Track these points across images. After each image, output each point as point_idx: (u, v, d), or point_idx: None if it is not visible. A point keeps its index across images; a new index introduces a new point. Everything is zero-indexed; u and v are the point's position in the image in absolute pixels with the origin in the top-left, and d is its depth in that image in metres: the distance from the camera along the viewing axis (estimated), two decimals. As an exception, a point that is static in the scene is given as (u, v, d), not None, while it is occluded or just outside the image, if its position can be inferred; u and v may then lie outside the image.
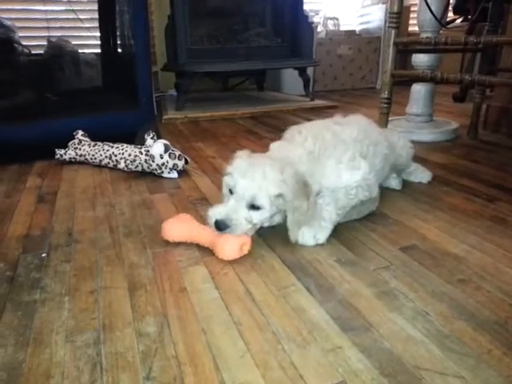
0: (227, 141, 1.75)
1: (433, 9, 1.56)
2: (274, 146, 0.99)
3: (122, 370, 0.54)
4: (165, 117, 2.19)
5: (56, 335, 0.61)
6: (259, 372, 0.53)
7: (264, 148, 1.60)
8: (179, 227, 0.87)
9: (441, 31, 1.72)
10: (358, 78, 3.39)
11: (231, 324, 0.62)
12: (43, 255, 0.84)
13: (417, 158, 1.38)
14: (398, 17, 1.34)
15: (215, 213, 0.82)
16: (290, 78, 2.90)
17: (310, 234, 0.85)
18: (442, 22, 1.61)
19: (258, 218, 0.83)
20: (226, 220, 0.80)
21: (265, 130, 1.95)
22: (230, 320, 0.63)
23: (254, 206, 0.82)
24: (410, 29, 3.43)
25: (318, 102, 2.54)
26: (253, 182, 0.81)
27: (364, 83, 3.38)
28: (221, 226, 0.80)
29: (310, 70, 2.80)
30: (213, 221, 0.81)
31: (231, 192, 0.85)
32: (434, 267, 0.76)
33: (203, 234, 0.84)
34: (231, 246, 0.80)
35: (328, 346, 0.57)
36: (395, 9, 1.32)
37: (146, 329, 0.62)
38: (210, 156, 1.53)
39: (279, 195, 0.82)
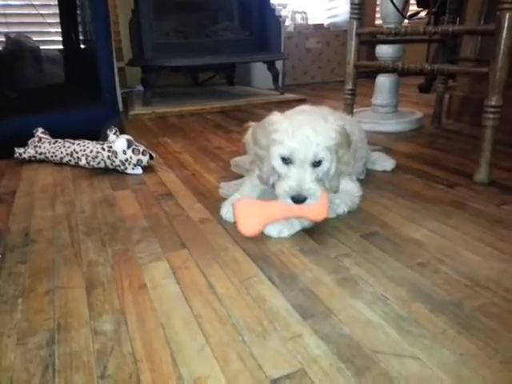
0: (195, 136, 1.73)
1: (395, 1, 1.58)
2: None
3: (76, 370, 0.52)
4: (131, 113, 2.15)
5: (7, 338, 0.58)
6: (218, 365, 0.52)
7: (231, 142, 1.60)
8: (252, 217, 0.82)
9: (404, 23, 1.75)
10: (327, 72, 3.41)
11: (191, 318, 0.61)
12: (-3, 257, 0.81)
13: (382, 148, 1.40)
14: (359, 8, 1.35)
15: (286, 190, 0.79)
16: (260, 73, 2.90)
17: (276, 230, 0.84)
18: (403, 13, 1.63)
19: (322, 171, 0.83)
20: (302, 192, 0.78)
21: (233, 124, 1.93)
22: (190, 314, 0.62)
23: (315, 164, 0.81)
24: (377, 22, 3.47)
25: (288, 96, 2.55)
26: (309, 140, 0.79)
27: (333, 76, 3.40)
28: (300, 200, 0.78)
29: (279, 64, 2.80)
30: (289, 198, 0.79)
31: (285, 160, 0.81)
32: (394, 252, 0.77)
33: (279, 210, 0.82)
34: (321, 205, 0.80)
35: (288, 335, 0.57)
36: (356, 0, 1.33)
37: (102, 327, 0.60)
38: (177, 151, 1.51)
39: (333, 144, 0.81)
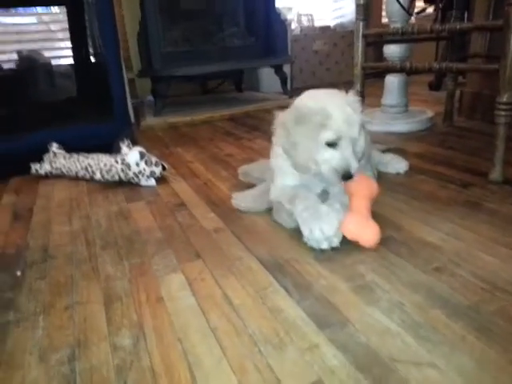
0: (205, 144, 1.75)
1: (400, -1, 1.57)
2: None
3: (97, 386, 0.53)
4: (143, 123, 2.17)
5: (29, 356, 0.60)
6: (235, 377, 0.53)
7: (241, 149, 1.61)
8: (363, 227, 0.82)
9: (410, 21, 1.74)
10: (335, 73, 3.40)
11: (208, 331, 0.62)
12: (18, 273, 0.83)
13: (393, 149, 1.39)
14: (365, 9, 1.34)
15: (336, 169, 0.81)
16: (268, 77, 2.90)
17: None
18: (409, 11, 1.62)
19: (359, 147, 0.86)
20: (350, 170, 0.81)
21: (243, 131, 1.94)
22: (206, 327, 0.63)
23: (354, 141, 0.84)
24: (384, 21, 3.45)
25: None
26: (351, 120, 0.82)
27: (342, 77, 3.39)
28: (349, 177, 0.82)
29: (287, 68, 2.80)
30: (338, 177, 0.82)
31: (330, 144, 0.82)
32: (409, 257, 0.77)
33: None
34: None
35: (304, 345, 0.57)
36: (361, 1, 1.33)
37: (121, 342, 0.61)
38: (189, 161, 1.52)
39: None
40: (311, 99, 0.86)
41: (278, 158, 0.95)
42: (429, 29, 1.18)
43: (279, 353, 0.56)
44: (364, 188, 0.85)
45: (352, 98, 0.87)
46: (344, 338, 0.58)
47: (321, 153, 0.83)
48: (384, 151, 1.31)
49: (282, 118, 0.88)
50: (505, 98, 1.02)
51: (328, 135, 0.82)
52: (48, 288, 0.77)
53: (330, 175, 0.83)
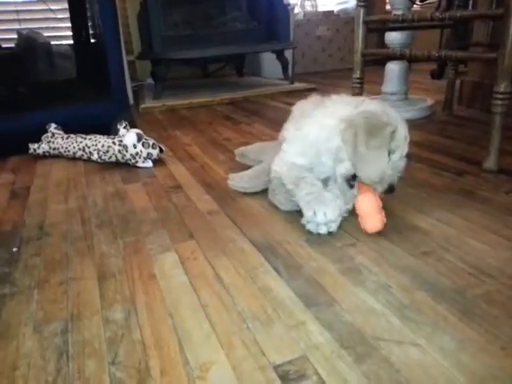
0: (204, 128, 1.75)
1: (403, -15, 1.56)
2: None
3: (88, 357, 0.55)
4: (142, 106, 2.17)
5: (24, 327, 0.61)
6: (223, 351, 0.54)
7: (239, 133, 1.61)
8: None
9: (413, 8, 1.72)
10: (337, 59, 3.38)
11: (198, 307, 0.63)
12: (14, 250, 0.84)
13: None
14: (366, -5, 1.33)
15: (385, 178, 0.81)
16: (270, 62, 2.88)
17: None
18: (412, -2, 1.61)
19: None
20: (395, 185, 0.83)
21: (242, 115, 1.94)
22: (197, 303, 0.64)
23: None
24: (388, 7, 3.41)
25: (297, 85, 2.54)
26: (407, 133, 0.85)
27: (344, 64, 3.37)
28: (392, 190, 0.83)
29: (289, 53, 2.78)
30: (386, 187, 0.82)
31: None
32: (399, 242, 0.78)
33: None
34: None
35: (291, 323, 0.58)
36: (363, -14, 1.32)
37: (113, 316, 0.62)
38: (186, 144, 1.53)
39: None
40: (375, 108, 0.84)
41: (293, 135, 0.95)
42: (429, 16, 1.17)
43: (266, 329, 0.58)
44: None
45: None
46: (330, 316, 0.59)
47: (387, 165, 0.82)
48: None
49: (353, 135, 0.81)
50: (502, 88, 1.02)
51: (397, 154, 0.82)
52: (43, 264, 0.78)
53: (379, 183, 0.81)
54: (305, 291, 0.65)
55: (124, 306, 0.65)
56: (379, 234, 0.80)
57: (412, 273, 0.68)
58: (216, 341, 0.56)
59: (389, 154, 0.81)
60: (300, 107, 1.05)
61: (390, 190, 0.82)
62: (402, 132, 0.83)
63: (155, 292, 0.68)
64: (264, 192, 1.00)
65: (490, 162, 1.08)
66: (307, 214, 0.81)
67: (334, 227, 0.81)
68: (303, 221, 0.82)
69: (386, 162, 0.81)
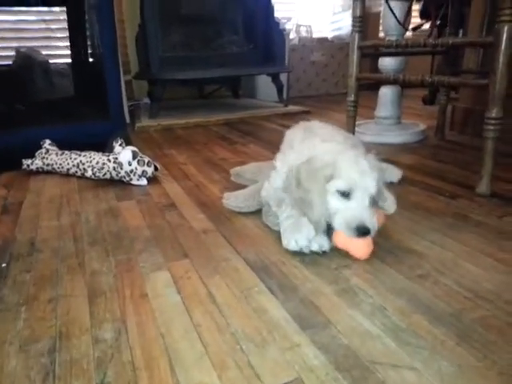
0: (200, 147, 1.75)
1: (396, 13, 1.60)
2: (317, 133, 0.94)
3: (76, 377, 0.53)
4: (138, 125, 2.18)
5: (9, 346, 0.59)
6: (216, 373, 0.53)
7: (235, 153, 1.61)
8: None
9: (406, 36, 1.77)
10: (331, 84, 3.44)
11: (191, 327, 0.62)
12: (3, 265, 0.82)
13: (386, 160, 1.41)
14: (360, 21, 1.37)
15: (349, 221, 0.76)
16: (265, 85, 2.92)
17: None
18: (405, 26, 1.66)
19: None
20: (366, 224, 0.76)
21: (237, 136, 1.95)
22: (189, 323, 0.63)
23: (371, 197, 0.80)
24: (381, 35, 3.50)
25: (292, 108, 2.57)
26: (368, 173, 0.78)
27: (338, 88, 3.43)
28: (364, 232, 0.76)
29: (284, 77, 2.83)
30: (352, 230, 0.76)
31: (343, 194, 0.78)
32: (394, 264, 0.77)
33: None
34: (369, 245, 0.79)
35: (286, 345, 0.57)
36: (358, 13, 1.35)
37: (103, 335, 0.61)
38: (182, 162, 1.53)
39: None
40: (325, 151, 0.84)
41: (280, 163, 0.96)
42: (422, 42, 1.21)
43: (261, 351, 0.56)
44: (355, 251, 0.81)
45: (371, 156, 0.85)
46: (326, 339, 0.58)
47: (335, 202, 0.79)
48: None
49: (295, 172, 0.83)
50: (493, 113, 1.04)
51: (338, 183, 0.78)
52: (32, 280, 0.76)
53: (344, 229, 0.77)
54: (300, 313, 0.64)
55: (114, 325, 0.63)
56: (374, 255, 0.80)
57: (408, 295, 0.67)
58: (208, 362, 0.55)
59: (346, 195, 0.78)
60: (291, 135, 1.06)
61: (362, 231, 0.76)
62: (351, 170, 0.78)
63: (147, 311, 0.66)
64: (259, 212, 1.00)
65: (483, 187, 1.09)
66: (283, 241, 0.84)
67: (309, 248, 0.81)
68: (283, 246, 0.84)
69: (322, 205, 0.79)
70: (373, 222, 0.77)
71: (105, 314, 0.66)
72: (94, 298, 0.70)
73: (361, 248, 0.79)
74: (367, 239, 0.78)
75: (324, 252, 0.81)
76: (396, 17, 1.56)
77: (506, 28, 0.98)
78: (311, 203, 0.80)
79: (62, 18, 2.65)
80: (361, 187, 0.78)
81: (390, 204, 1.04)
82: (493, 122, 1.04)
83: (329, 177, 0.79)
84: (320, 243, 0.81)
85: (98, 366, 0.55)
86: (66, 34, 2.52)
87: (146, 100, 2.84)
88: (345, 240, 0.79)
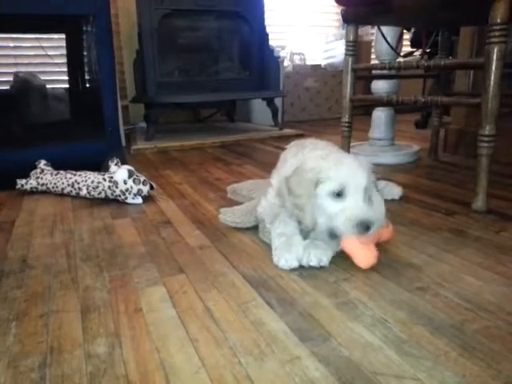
0: (195, 168, 1.76)
1: (388, 39, 1.65)
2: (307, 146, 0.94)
3: (67, 393, 0.51)
4: (134, 147, 2.18)
5: (-2, 361, 0.57)
6: (213, 387, 0.51)
7: (230, 173, 1.62)
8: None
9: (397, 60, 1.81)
10: (324, 109, 3.50)
11: (187, 341, 0.60)
12: (-7, 283, 0.80)
13: (382, 179, 1.41)
14: (353, 45, 1.40)
15: (350, 219, 0.75)
16: (260, 110, 2.97)
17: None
18: (396, 51, 1.70)
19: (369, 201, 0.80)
20: (367, 218, 0.75)
21: (233, 157, 1.96)
22: (186, 337, 0.61)
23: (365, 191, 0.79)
24: (373, 62, 3.60)
25: (287, 131, 2.60)
26: (356, 169, 0.78)
27: (331, 114, 3.49)
28: (366, 228, 0.75)
29: (278, 102, 2.87)
30: (354, 228, 0.75)
31: (337, 195, 0.77)
32: (393, 277, 0.76)
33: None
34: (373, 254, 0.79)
35: (286, 357, 0.55)
36: (351, 37, 1.39)
37: (96, 350, 0.58)
38: (177, 182, 1.52)
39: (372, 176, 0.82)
40: (311, 158, 0.84)
41: (275, 179, 0.96)
42: (415, 64, 1.24)
43: (259, 364, 0.54)
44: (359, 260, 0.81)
45: (358, 157, 0.85)
46: (326, 351, 0.56)
47: (330, 206, 0.78)
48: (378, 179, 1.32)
49: (285, 182, 0.83)
50: (486, 131, 1.06)
51: (328, 186, 0.78)
52: (24, 297, 0.74)
53: (346, 228, 0.76)
54: (299, 325, 0.62)
55: (108, 339, 0.61)
56: (373, 269, 0.79)
57: (408, 308, 0.66)
58: (206, 376, 0.53)
59: (340, 195, 0.78)
60: (285, 152, 1.07)
61: (365, 227, 0.76)
62: (340, 170, 0.78)
63: (141, 326, 0.64)
64: (255, 228, 0.99)
65: (479, 203, 1.09)
66: (273, 258, 0.83)
67: (296, 265, 0.81)
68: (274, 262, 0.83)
69: (312, 209, 0.79)
70: (373, 214, 0.76)
71: (98, 328, 0.64)
72: (87, 313, 0.68)
73: (366, 259, 0.78)
74: (374, 251, 0.78)
75: (322, 267, 0.80)
76: (388, 42, 1.61)
77: (495, 49, 1.01)
78: (303, 209, 0.80)
79: (60, 44, 2.70)
80: (352, 183, 0.77)
81: (395, 192, 1.18)
82: (486, 139, 1.06)
83: (316, 180, 0.79)
84: (319, 258, 0.80)
85: (90, 380, 0.53)
86: (65, 60, 2.56)
87: (143, 124, 2.86)
88: (352, 247, 0.79)
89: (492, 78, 1.02)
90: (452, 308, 0.66)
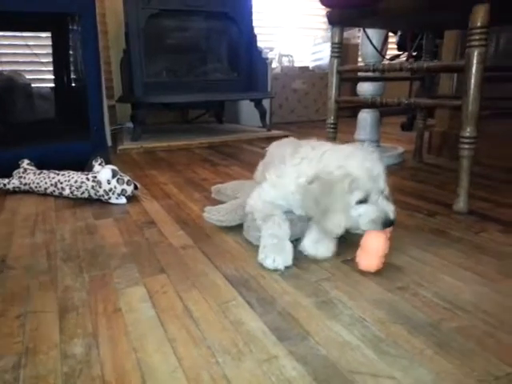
0: (182, 168, 1.75)
1: (374, 42, 1.67)
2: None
3: (41, 394, 0.50)
4: (120, 147, 2.17)
5: (-29, 363, 0.56)
6: (189, 386, 0.51)
7: (217, 174, 1.61)
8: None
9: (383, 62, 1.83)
10: (312, 111, 3.52)
11: (165, 341, 0.60)
12: (-30, 283, 0.79)
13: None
14: (339, 47, 1.41)
15: (375, 220, 0.80)
16: (248, 111, 2.97)
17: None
18: (382, 53, 1.72)
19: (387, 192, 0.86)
20: (389, 215, 0.82)
21: (220, 158, 1.96)
22: (164, 337, 0.60)
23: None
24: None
25: (274, 132, 2.61)
26: (375, 173, 0.81)
27: (318, 115, 3.50)
28: (390, 224, 0.82)
29: (267, 103, 2.88)
30: (381, 226, 0.80)
31: (361, 201, 0.81)
32: (374, 277, 0.77)
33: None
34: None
35: (263, 357, 0.55)
36: (336, 39, 1.40)
37: (72, 350, 0.58)
38: (162, 182, 1.52)
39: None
40: (332, 162, 0.84)
41: (274, 176, 0.96)
42: (398, 67, 1.25)
43: (237, 363, 0.54)
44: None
45: (368, 150, 0.86)
46: (304, 350, 0.56)
47: (355, 211, 0.82)
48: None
49: (312, 194, 0.83)
50: (467, 133, 1.07)
51: (357, 196, 0.80)
52: (1, 297, 0.73)
53: (372, 227, 0.81)
54: (278, 325, 0.62)
55: (85, 340, 0.60)
56: (353, 269, 0.80)
57: (387, 307, 0.67)
58: (182, 375, 0.52)
59: (363, 201, 0.81)
60: (277, 151, 1.08)
61: (388, 224, 0.81)
62: (364, 178, 0.80)
63: (120, 326, 0.64)
64: (239, 228, 0.99)
65: (460, 204, 1.11)
66: (260, 255, 0.83)
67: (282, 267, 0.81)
68: (258, 259, 0.83)
69: (345, 215, 0.80)
70: (391, 211, 0.82)
71: (76, 329, 0.63)
72: (65, 313, 0.67)
73: (371, 264, 0.78)
74: (380, 263, 0.78)
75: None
76: (373, 44, 1.62)
77: (476, 52, 1.02)
78: (331, 213, 0.80)
79: (46, 43, 2.67)
80: (375, 188, 0.81)
81: None
82: (467, 140, 1.07)
83: (348, 191, 0.80)
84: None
85: (65, 381, 0.52)
86: (50, 59, 2.54)
87: (129, 124, 2.84)
88: (370, 249, 0.79)
89: (472, 80, 1.03)
90: (430, 307, 0.67)
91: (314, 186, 0.82)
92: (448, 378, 0.50)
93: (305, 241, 0.86)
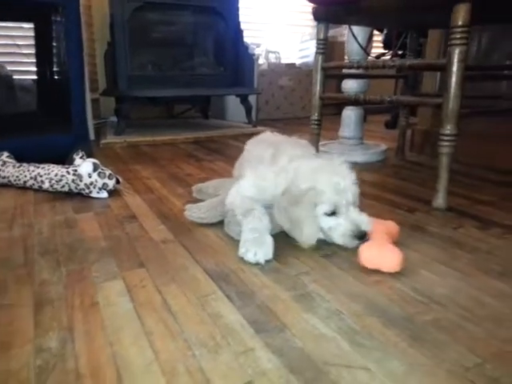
0: (166, 163, 1.74)
1: (359, 39, 1.68)
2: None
3: (12, 388, 0.49)
4: (103, 141, 2.14)
5: None
6: (165, 379, 0.51)
7: (201, 169, 1.61)
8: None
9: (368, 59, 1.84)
10: (298, 108, 3.53)
11: (142, 335, 0.59)
12: None
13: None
14: (324, 43, 1.42)
15: (348, 234, 0.84)
16: (234, 107, 2.96)
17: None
18: (367, 51, 1.73)
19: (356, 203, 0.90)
20: (362, 229, 0.84)
21: (204, 153, 1.95)
22: (141, 331, 0.60)
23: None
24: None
25: (260, 129, 2.61)
26: (343, 186, 0.85)
27: (305, 112, 3.51)
28: (363, 236, 0.84)
29: (253, 100, 2.88)
30: (354, 240, 0.84)
31: (331, 214, 0.85)
32: (352, 271, 0.78)
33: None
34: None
35: (240, 349, 0.56)
36: (321, 36, 1.41)
37: (47, 344, 0.57)
38: (146, 177, 1.50)
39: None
40: (302, 176, 0.88)
41: (250, 173, 0.99)
42: (382, 64, 1.26)
43: (213, 356, 0.54)
44: (379, 224, 0.88)
45: (338, 163, 0.90)
46: (280, 342, 0.57)
47: (325, 222, 0.86)
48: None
49: (283, 208, 0.87)
50: (447, 130, 1.09)
51: (323, 208, 0.85)
52: (-25, 291, 0.72)
53: (344, 241, 0.85)
54: (256, 318, 0.63)
55: (60, 334, 0.60)
56: (332, 263, 0.81)
57: (364, 300, 0.68)
58: (158, 368, 0.52)
59: (333, 214, 0.86)
60: (255, 150, 1.10)
61: (361, 236, 0.84)
62: (330, 192, 0.84)
63: (96, 320, 0.63)
64: (221, 223, 0.99)
65: (439, 200, 1.13)
66: (240, 249, 0.83)
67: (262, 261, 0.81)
68: (238, 252, 0.83)
69: (315, 227, 0.86)
70: (362, 222, 0.85)
71: (51, 323, 0.62)
72: (41, 307, 0.66)
73: (391, 262, 0.77)
74: (396, 251, 0.78)
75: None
76: (358, 42, 1.63)
77: (457, 50, 1.04)
78: (300, 224, 0.85)
79: (29, 34, 2.62)
80: (344, 201, 0.85)
81: None
82: (447, 138, 1.09)
83: (313, 204, 0.85)
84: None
85: (38, 375, 0.51)
86: (33, 50, 2.49)
87: (113, 118, 2.81)
88: (375, 258, 0.78)
89: (453, 78, 1.05)
90: (406, 301, 0.68)
91: (284, 199, 0.87)
92: (420, 369, 0.51)
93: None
